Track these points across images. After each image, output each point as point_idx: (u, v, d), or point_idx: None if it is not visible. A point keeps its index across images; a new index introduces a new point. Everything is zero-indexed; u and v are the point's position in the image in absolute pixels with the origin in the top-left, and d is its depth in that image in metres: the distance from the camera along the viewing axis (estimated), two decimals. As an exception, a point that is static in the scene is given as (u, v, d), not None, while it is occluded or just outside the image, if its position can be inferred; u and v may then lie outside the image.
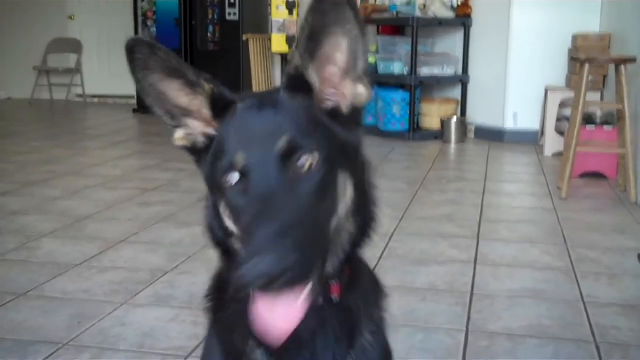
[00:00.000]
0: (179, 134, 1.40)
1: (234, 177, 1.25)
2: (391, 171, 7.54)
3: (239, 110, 1.32)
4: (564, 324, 3.69)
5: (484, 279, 4.32)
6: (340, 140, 1.31)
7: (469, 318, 3.74)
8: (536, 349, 3.40)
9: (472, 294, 4.07)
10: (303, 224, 1.17)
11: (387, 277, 4.30)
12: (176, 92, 1.34)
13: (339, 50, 1.29)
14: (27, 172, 7.39)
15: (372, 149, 8.42)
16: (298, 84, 1.31)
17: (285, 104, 1.29)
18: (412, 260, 4.67)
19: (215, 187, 1.31)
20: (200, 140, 1.38)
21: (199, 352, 3.32)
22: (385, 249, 4.88)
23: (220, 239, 1.42)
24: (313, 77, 1.31)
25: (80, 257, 4.76)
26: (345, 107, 1.34)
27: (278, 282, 1.10)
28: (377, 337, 1.50)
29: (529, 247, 4.96)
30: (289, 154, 1.22)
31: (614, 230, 5.28)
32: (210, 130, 1.36)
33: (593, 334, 3.56)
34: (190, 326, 3.67)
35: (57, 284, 4.32)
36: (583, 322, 3.70)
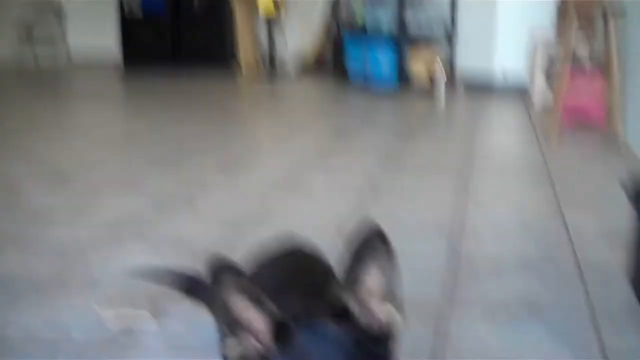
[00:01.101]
0: (231, 343, 1.46)
1: None
2: (379, 123, 7.51)
3: (296, 341, 1.43)
4: (548, 254, 3.70)
5: (468, 210, 4.32)
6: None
7: (452, 248, 3.73)
8: (520, 276, 3.41)
9: (457, 226, 4.07)
10: None
11: (373, 209, 4.30)
12: (243, 310, 1.43)
13: (375, 280, 1.45)
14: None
15: (358, 102, 8.41)
16: (341, 314, 1.45)
17: (335, 337, 1.43)
18: (398, 194, 4.67)
19: None
20: (254, 356, 1.45)
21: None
22: (372, 182, 4.86)
23: None
24: (354, 307, 1.46)
25: (64, 204, 4.73)
26: (380, 329, 1.48)
27: None
28: None
29: (512, 179, 5.02)
30: None
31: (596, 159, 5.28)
32: (265, 351, 1.44)
33: (578, 263, 3.56)
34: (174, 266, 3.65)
35: (41, 230, 4.30)
36: (567, 251, 3.70)
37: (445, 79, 8.67)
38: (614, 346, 2.71)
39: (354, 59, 9.42)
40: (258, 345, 1.46)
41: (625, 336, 2.79)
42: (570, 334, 2.80)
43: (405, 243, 3.88)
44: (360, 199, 4.63)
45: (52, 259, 3.79)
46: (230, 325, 1.44)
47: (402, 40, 9.00)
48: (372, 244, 1.42)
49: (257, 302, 1.43)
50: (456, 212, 4.35)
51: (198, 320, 2.96)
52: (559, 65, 6.50)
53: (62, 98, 9.96)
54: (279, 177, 5.24)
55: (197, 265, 3.56)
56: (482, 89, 8.95)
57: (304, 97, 9.62)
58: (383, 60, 9.10)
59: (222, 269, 1.41)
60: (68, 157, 5.96)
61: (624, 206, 3.25)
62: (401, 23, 8.92)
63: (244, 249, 2.71)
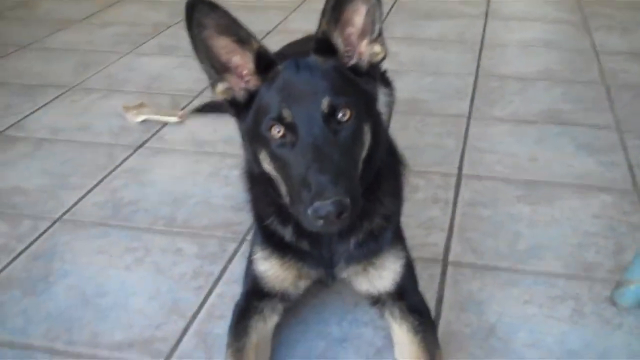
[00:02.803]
0: (220, 87, 1.48)
1: (280, 130, 1.40)
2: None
3: (280, 71, 1.46)
4: (574, 68, 3.65)
5: (495, 30, 4.24)
6: (363, 93, 1.49)
7: (478, 64, 3.70)
8: (545, 89, 3.38)
9: (482, 44, 4.01)
10: (346, 167, 1.39)
11: (396, 29, 4.23)
12: (225, 49, 1.43)
13: (359, 15, 1.45)
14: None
15: None
16: (325, 47, 1.46)
17: (319, 67, 1.45)
18: (422, 14, 4.57)
19: (257, 138, 1.47)
20: (241, 95, 1.48)
21: (207, 93, 3.32)
22: (393, 5, 4.75)
23: (256, 179, 1.63)
24: (338, 40, 1.46)
25: (80, 14, 4.65)
26: (364, 64, 1.50)
27: (341, 219, 1.34)
28: (389, 221, 1.68)
29: (541, 3, 4.84)
30: (330, 112, 1.39)
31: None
32: (251, 87, 1.47)
33: (603, 76, 3.52)
34: (196, 72, 3.60)
35: (59, 37, 4.25)
36: (593, 67, 3.66)
37: None
38: None
39: None
40: (244, 83, 1.48)
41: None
42: (596, 147, 2.81)
43: (433, 57, 3.83)
44: (384, 18, 4.51)
45: (73, 64, 3.76)
46: (215, 67, 1.46)
47: None
48: None
49: (238, 39, 1.43)
50: (482, 30, 4.26)
51: (219, 122, 2.99)
52: None
53: None
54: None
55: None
56: None
57: None
58: None
59: (201, 10, 1.39)
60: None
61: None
62: None
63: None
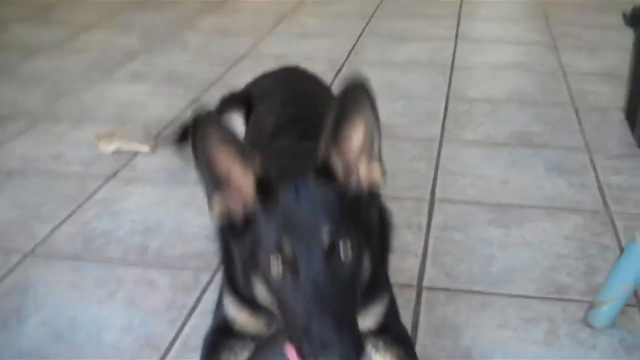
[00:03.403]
0: (217, 202, 1.44)
1: (278, 263, 1.36)
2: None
3: (280, 197, 1.41)
4: (543, 90, 3.70)
5: (465, 53, 4.29)
6: (363, 222, 1.46)
7: (449, 87, 3.74)
8: (516, 112, 3.42)
9: (452, 67, 4.05)
10: (349, 310, 1.36)
11: (367, 53, 4.26)
12: (227, 165, 1.40)
13: (357, 135, 1.42)
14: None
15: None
16: (325, 170, 1.42)
17: (319, 195, 1.41)
18: (393, 37, 4.61)
19: (252, 264, 1.43)
20: (238, 214, 1.44)
21: (179, 120, 3.32)
22: (365, 27, 4.79)
23: (244, 295, 1.58)
24: (337, 163, 1.43)
25: (51, 40, 4.64)
26: (363, 190, 1.47)
27: None
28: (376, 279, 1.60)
29: (510, 25, 4.91)
30: (331, 247, 1.35)
31: (595, 8, 5.20)
32: (249, 207, 1.43)
33: (572, 98, 3.57)
34: (168, 99, 3.64)
35: (30, 64, 4.23)
36: (563, 88, 3.71)
37: None
38: (610, 182, 2.76)
39: None
40: (241, 200, 1.44)
41: (621, 171, 2.83)
42: (566, 168, 2.84)
43: (404, 80, 3.86)
44: (356, 41, 4.56)
45: (44, 93, 3.75)
46: (214, 180, 1.43)
47: None
48: (358, 101, 1.38)
49: (241, 156, 1.41)
50: (453, 52, 4.31)
51: (190, 148, 2.98)
52: None
53: None
54: (273, 19, 5.13)
55: (189, 96, 3.60)
56: None
57: None
58: None
59: (206, 123, 1.37)
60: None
61: (621, 49, 3.23)
62: None
63: (238, 82, 2.67)
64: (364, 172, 1.47)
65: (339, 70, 3.98)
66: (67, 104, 3.57)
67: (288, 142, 1.78)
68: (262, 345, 1.75)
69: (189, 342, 1.85)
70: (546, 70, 3.98)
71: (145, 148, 3.01)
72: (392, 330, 1.72)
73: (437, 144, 3.06)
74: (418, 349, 1.78)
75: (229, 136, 1.39)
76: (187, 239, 2.36)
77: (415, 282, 2.14)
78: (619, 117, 3.28)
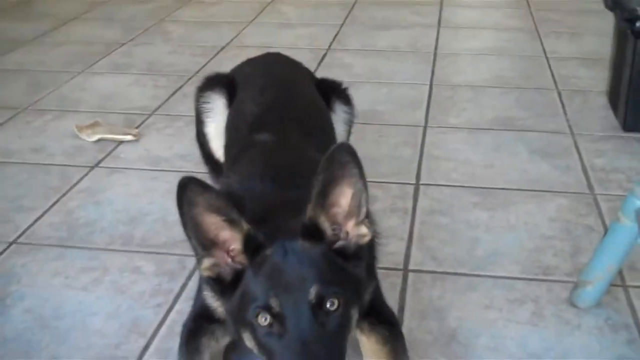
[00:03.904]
0: (206, 263, 1.45)
1: (267, 319, 1.38)
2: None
3: (268, 256, 1.43)
4: (526, 75, 3.71)
5: (447, 40, 4.29)
6: (351, 278, 1.47)
7: (432, 74, 3.74)
8: (498, 96, 3.43)
9: (435, 53, 4.05)
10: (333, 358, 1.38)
11: (350, 41, 4.26)
12: (214, 226, 1.41)
13: (345, 198, 1.44)
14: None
15: None
16: (312, 231, 1.44)
17: (306, 253, 1.44)
18: (375, 25, 4.61)
19: (242, 321, 1.44)
20: (227, 273, 1.46)
21: (162, 110, 3.31)
22: (347, 17, 4.78)
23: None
24: (324, 224, 1.45)
25: (31, 33, 4.60)
26: (350, 246, 1.48)
27: None
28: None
29: (492, 11, 4.92)
30: (319, 303, 1.37)
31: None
32: (237, 265, 1.45)
33: (555, 82, 3.58)
34: (151, 89, 3.62)
35: (10, 57, 4.19)
36: (545, 73, 3.72)
37: None
38: (594, 164, 2.77)
39: None
40: (231, 262, 1.46)
41: (605, 153, 2.85)
42: (550, 152, 2.86)
43: (387, 68, 3.86)
44: (338, 30, 4.55)
45: (25, 85, 3.72)
46: (203, 244, 1.43)
47: None
48: (346, 166, 1.40)
49: (228, 219, 1.42)
50: (435, 39, 4.32)
51: (175, 139, 2.99)
52: None
53: None
54: (254, 9, 5.11)
55: (171, 86, 3.59)
56: None
57: None
58: None
59: (193, 189, 1.37)
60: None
61: (602, 34, 3.24)
62: None
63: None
64: (352, 232, 1.48)
65: (322, 58, 3.98)
66: (48, 96, 3.55)
67: (273, 191, 1.76)
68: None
69: (175, 327, 1.84)
70: (528, 56, 3.99)
71: (128, 137, 2.99)
72: (377, 312, 1.71)
73: (421, 129, 3.06)
74: (404, 332, 1.78)
75: (216, 202, 1.40)
76: (171, 227, 2.34)
77: (401, 266, 2.14)
78: (601, 100, 3.30)
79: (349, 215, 1.47)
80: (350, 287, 1.46)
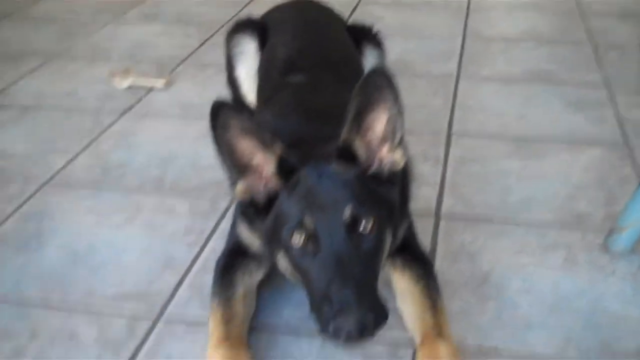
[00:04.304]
0: (240, 186, 1.45)
1: (301, 239, 1.38)
2: None
3: (302, 177, 1.43)
4: (560, 29, 3.66)
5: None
6: (384, 201, 1.47)
7: (465, 27, 3.68)
8: (532, 50, 3.38)
9: (468, 7, 3.99)
10: (369, 280, 1.38)
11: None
12: (247, 150, 1.41)
13: (380, 123, 1.43)
14: None
15: None
16: (347, 154, 1.44)
17: (340, 175, 1.43)
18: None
19: (276, 242, 1.45)
20: (260, 196, 1.46)
21: (192, 58, 3.30)
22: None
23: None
24: (359, 148, 1.45)
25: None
26: (384, 172, 1.48)
27: (363, 337, 1.32)
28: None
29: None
30: (353, 223, 1.38)
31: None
32: (271, 189, 1.45)
33: (590, 36, 3.52)
34: (181, 38, 3.61)
35: (40, 6, 4.19)
36: (579, 27, 3.66)
37: None
38: (629, 116, 2.72)
39: None
40: (264, 185, 1.46)
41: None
42: (584, 104, 2.81)
43: (419, 21, 3.81)
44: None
45: (56, 33, 3.72)
46: (237, 167, 1.43)
47: None
48: (382, 91, 1.39)
49: (262, 142, 1.41)
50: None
51: (206, 86, 2.98)
52: None
53: None
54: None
55: (201, 36, 3.58)
56: None
57: None
58: None
59: (226, 113, 1.37)
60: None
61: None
62: None
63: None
64: (386, 158, 1.48)
65: (353, 11, 3.93)
66: (79, 43, 3.55)
67: (306, 125, 1.75)
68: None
69: (208, 264, 1.85)
70: (563, 10, 3.92)
71: (159, 84, 2.99)
72: (411, 250, 1.71)
73: (453, 80, 3.03)
74: (436, 272, 1.78)
75: (249, 125, 1.40)
76: (202, 170, 2.35)
77: (433, 211, 2.13)
78: (637, 54, 3.24)
79: (383, 140, 1.47)
80: (384, 210, 1.46)
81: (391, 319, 1.50)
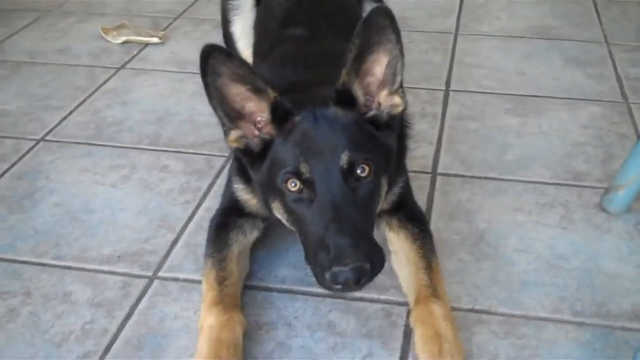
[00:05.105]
0: (233, 135, 1.41)
1: (296, 184, 1.35)
2: None
3: (298, 122, 1.39)
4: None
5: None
6: (382, 147, 1.44)
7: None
8: (533, 5, 3.36)
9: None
10: (365, 227, 1.36)
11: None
12: (240, 96, 1.37)
13: (380, 66, 1.40)
14: None
15: None
16: (345, 98, 1.40)
17: (338, 119, 1.40)
18: None
19: (271, 189, 1.41)
20: (255, 144, 1.42)
21: (188, 13, 3.26)
22: None
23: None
24: (358, 91, 1.41)
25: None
26: (383, 116, 1.45)
27: (360, 284, 1.30)
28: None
29: None
30: (349, 168, 1.35)
31: None
32: (266, 136, 1.41)
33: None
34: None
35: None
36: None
37: None
38: (629, 73, 2.70)
39: None
40: (259, 132, 1.43)
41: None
42: (584, 60, 2.79)
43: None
44: None
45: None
46: (229, 115, 1.40)
47: None
48: (383, 33, 1.35)
49: (254, 88, 1.37)
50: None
51: (202, 42, 2.93)
52: None
53: None
54: None
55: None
56: None
57: None
58: None
59: (216, 58, 1.33)
60: None
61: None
62: None
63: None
64: (384, 102, 1.45)
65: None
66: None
67: (304, 72, 1.72)
68: (272, 225, 1.73)
69: (203, 223, 1.85)
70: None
71: (154, 39, 2.95)
72: (406, 210, 1.70)
73: (452, 36, 3.00)
74: (432, 231, 1.77)
75: (241, 70, 1.36)
76: (198, 127, 2.34)
77: (429, 169, 2.12)
78: (638, 10, 3.20)
79: (382, 83, 1.44)
80: (381, 156, 1.45)
81: (386, 279, 1.50)
